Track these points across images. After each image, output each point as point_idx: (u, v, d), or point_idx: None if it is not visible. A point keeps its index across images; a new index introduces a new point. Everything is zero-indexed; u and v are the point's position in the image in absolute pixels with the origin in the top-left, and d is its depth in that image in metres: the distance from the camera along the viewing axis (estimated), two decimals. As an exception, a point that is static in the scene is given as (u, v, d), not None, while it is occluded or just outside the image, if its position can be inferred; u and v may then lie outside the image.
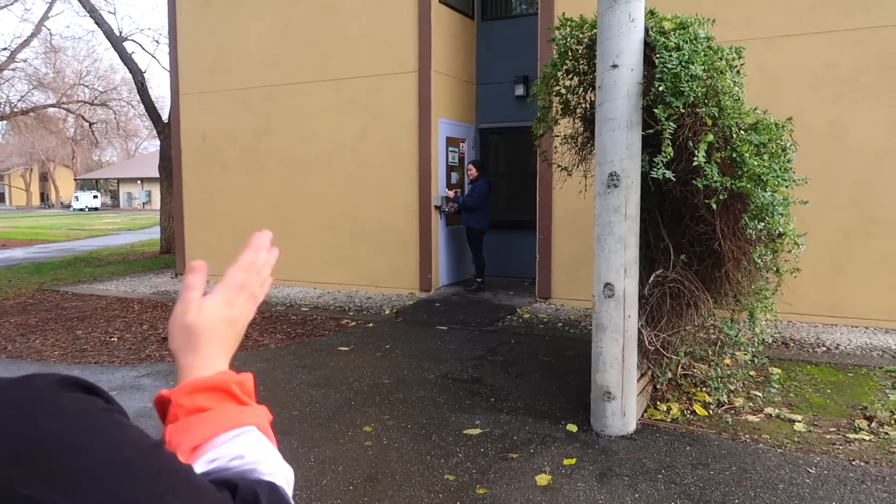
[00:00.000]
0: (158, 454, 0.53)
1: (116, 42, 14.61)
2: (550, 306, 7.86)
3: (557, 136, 5.16)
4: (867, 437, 3.91)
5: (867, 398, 4.60)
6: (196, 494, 0.52)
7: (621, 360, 3.97)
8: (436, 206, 8.63)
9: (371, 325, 7.16)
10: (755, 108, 4.12)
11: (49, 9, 20.15)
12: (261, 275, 0.79)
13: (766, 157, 3.85)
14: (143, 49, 32.20)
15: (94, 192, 49.61)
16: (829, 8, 6.52)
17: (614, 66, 3.82)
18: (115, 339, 6.71)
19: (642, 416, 4.27)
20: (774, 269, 4.18)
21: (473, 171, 8.56)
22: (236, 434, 0.64)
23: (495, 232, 8.95)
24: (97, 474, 0.47)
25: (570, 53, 4.54)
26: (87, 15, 14.46)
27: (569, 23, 4.45)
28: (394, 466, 3.65)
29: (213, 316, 0.71)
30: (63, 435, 0.48)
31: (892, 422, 4.10)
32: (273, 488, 0.61)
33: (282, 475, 0.65)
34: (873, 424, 4.08)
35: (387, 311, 7.78)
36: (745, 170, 3.68)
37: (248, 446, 0.64)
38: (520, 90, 9.05)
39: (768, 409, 4.35)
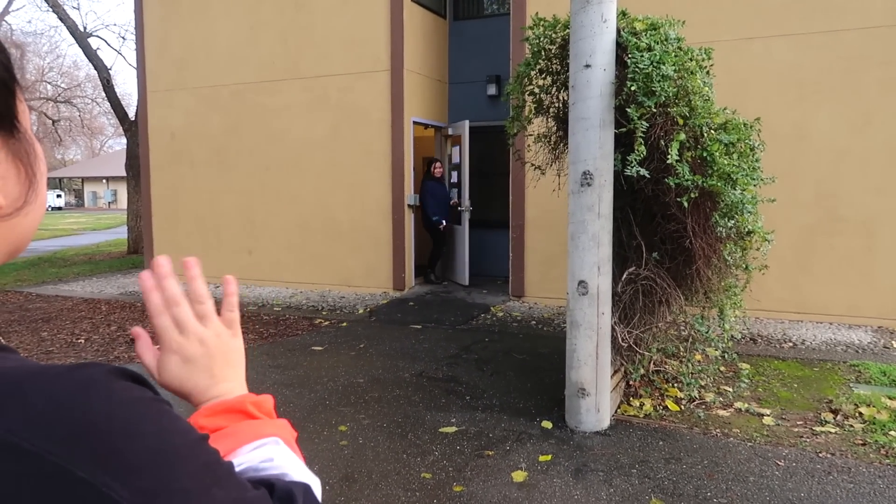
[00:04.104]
0: (204, 447, 0.54)
1: (81, 38, 14.30)
2: (524, 304, 7.91)
3: (531, 135, 5.18)
4: (833, 430, 4.01)
5: (832, 392, 4.72)
6: (238, 489, 0.54)
7: (595, 356, 4.01)
8: (409, 205, 8.63)
9: (345, 324, 7.12)
10: (724, 109, 4.20)
11: (10, 3, 19.65)
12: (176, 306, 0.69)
13: (735, 156, 3.93)
14: (109, 45, 31.60)
15: (58, 192, 48.44)
16: (794, 12, 6.67)
17: (587, 66, 3.85)
18: (82, 341, 6.57)
19: (616, 411, 4.32)
20: (743, 266, 4.26)
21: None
22: (260, 444, 0.67)
23: (469, 230, 8.99)
24: (148, 461, 0.48)
25: (543, 53, 4.57)
26: (50, 10, 14.13)
27: (542, 23, 4.48)
28: (370, 465, 3.64)
29: (170, 373, 0.70)
30: (117, 420, 0.48)
31: (857, 414, 4.22)
32: (308, 490, 0.63)
33: (310, 483, 0.67)
34: (838, 417, 4.19)
35: (360, 311, 7.75)
36: (716, 168, 3.75)
37: (274, 452, 0.67)
38: (492, 89, 9.09)
39: (738, 404, 4.44)
